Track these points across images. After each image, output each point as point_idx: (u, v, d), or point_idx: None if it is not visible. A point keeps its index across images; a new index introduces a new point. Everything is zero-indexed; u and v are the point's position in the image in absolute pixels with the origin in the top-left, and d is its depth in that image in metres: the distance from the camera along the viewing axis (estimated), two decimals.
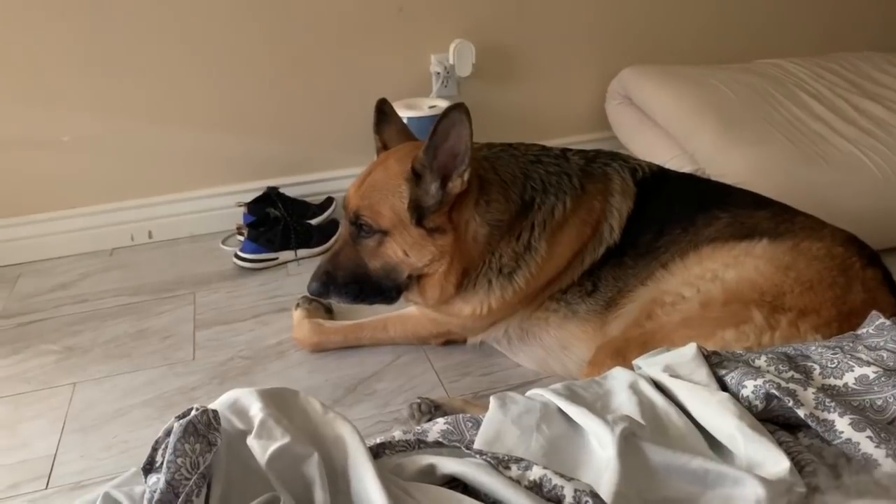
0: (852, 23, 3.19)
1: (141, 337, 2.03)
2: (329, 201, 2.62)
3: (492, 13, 2.67)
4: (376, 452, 0.86)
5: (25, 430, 1.69)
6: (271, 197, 2.50)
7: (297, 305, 1.98)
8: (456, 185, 1.57)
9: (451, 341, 1.90)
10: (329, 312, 2.01)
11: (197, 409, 0.77)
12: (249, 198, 2.53)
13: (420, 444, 0.88)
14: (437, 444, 0.89)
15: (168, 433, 0.76)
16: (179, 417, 0.77)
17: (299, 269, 2.35)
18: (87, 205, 2.51)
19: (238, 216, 2.53)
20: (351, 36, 2.56)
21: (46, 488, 1.52)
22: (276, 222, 2.40)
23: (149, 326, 2.08)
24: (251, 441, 0.79)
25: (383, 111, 1.78)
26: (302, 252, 2.40)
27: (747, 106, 2.45)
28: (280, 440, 0.78)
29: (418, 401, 1.60)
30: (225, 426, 0.80)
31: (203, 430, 0.75)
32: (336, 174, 2.67)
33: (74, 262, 2.47)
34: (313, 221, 2.51)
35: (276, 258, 2.37)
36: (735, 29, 3.02)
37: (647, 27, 2.89)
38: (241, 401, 0.83)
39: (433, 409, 1.57)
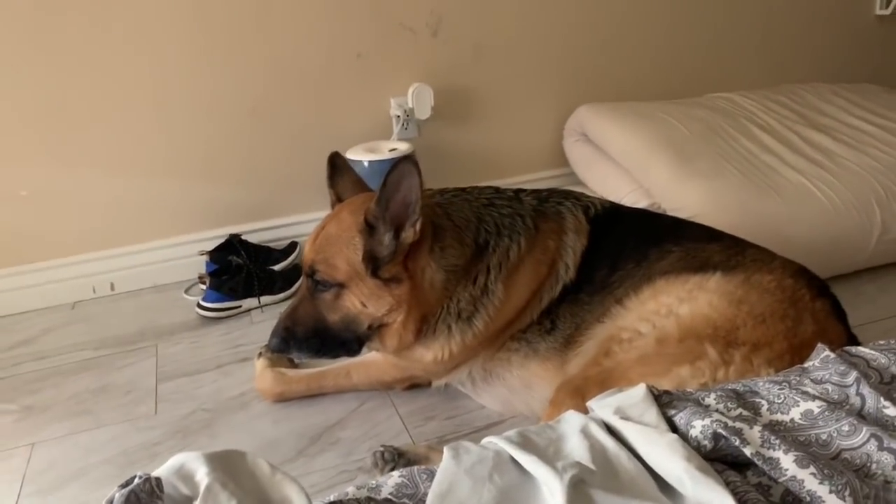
0: (800, 54, 3.30)
1: (103, 392, 2.00)
2: (293, 246, 2.62)
3: (449, 57, 2.73)
4: None
5: None
6: (233, 244, 2.50)
7: (259, 355, 1.97)
8: (409, 235, 1.58)
9: (415, 385, 1.89)
10: (291, 361, 2.00)
11: (140, 478, 0.77)
12: (211, 246, 2.53)
13: (371, 502, 0.88)
14: (387, 501, 0.89)
15: (111, 503, 0.76)
16: (122, 486, 0.76)
17: (263, 317, 2.34)
18: (48, 259, 2.49)
19: (201, 265, 2.52)
20: (311, 82, 2.59)
21: None
22: (238, 270, 2.40)
23: (111, 381, 2.05)
24: None
25: (336, 164, 1.80)
26: (265, 299, 2.39)
27: (700, 140, 2.50)
28: None
29: (381, 449, 1.59)
30: (170, 492, 0.80)
31: (146, 498, 0.75)
32: (299, 219, 2.68)
33: (36, 318, 2.44)
34: (276, 267, 2.51)
35: (240, 306, 2.36)
36: (686, 64, 3.11)
37: (601, 65, 2.97)
38: (187, 466, 0.83)
39: (396, 457, 1.56)
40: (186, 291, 2.52)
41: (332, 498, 0.91)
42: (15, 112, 2.31)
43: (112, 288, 2.56)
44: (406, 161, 1.51)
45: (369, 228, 1.59)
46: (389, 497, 0.90)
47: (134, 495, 0.74)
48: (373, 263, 1.59)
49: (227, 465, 0.83)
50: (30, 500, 1.63)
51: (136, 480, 0.76)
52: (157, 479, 0.77)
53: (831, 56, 3.35)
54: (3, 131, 2.32)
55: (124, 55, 2.35)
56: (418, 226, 1.57)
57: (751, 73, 3.18)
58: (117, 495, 0.75)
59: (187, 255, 2.57)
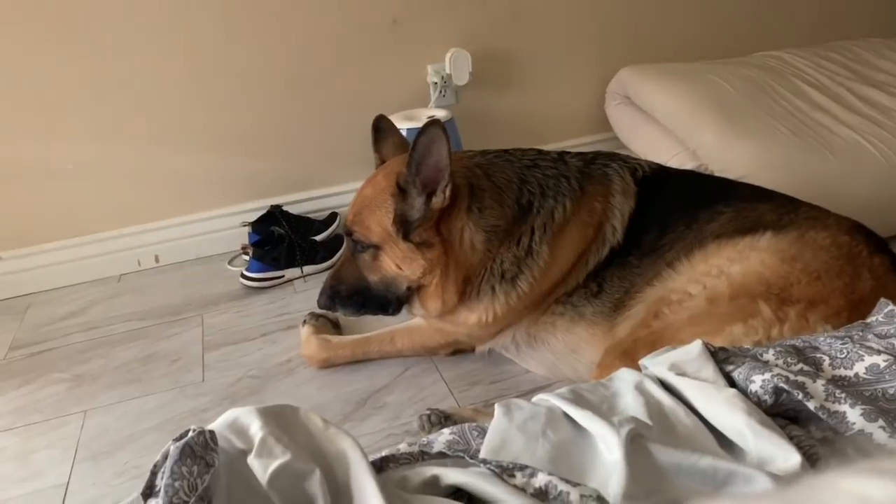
0: (850, 10, 3.17)
1: (150, 361, 2.03)
2: (333, 217, 2.62)
3: (486, 21, 2.68)
4: (380, 466, 0.85)
5: (38, 459, 1.69)
6: (275, 215, 2.51)
7: (305, 322, 1.98)
8: (439, 200, 1.58)
9: (459, 350, 1.89)
10: (336, 328, 2.01)
11: (194, 431, 0.76)
12: (254, 217, 2.54)
13: (424, 456, 0.87)
14: (441, 454, 0.88)
15: (165, 457, 0.76)
16: (176, 440, 0.76)
17: (306, 286, 2.34)
18: (94, 232, 2.52)
19: (243, 236, 2.54)
20: (347, 51, 2.56)
21: None
22: (280, 240, 2.40)
23: (158, 350, 2.08)
24: (252, 460, 0.78)
25: (380, 128, 1.80)
26: (308, 269, 2.39)
27: (748, 99, 2.43)
28: (280, 458, 0.77)
29: (428, 412, 1.59)
30: (225, 446, 0.79)
31: (200, 451, 0.74)
32: (339, 189, 2.67)
33: (83, 290, 2.48)
34: (318, 237, 2.51)
35: (283, 276, 2.37)
36: (732, 23, 3.01)
37: (643, 26, 2.89)
38: (241, 420, 0.82)
39: (443, 420, 1.56)
40: (230, 262, 2.54)
41: (384, 453, 0.90)
42: (57, 88, 2.32)
43: (157, 260, 2.59)
44: (434, 126, 1.50)
45: (401, 192, 1.58)
46: (443, 451, 0.89)
47: (188, 448, 0.74)
48: (404, 227, 1.60)
49: (281, 420, 0.82)
50: (84, 464, 1.66)
51: (191, 433, 0.76)
52: (211, 433, 0.77)
53: (883, 11, 3.21)
54: (46, 107, 2.34)
55: (163, 29, 2.35)
56: (448, 191, 1.56)
57: (800, 31, 3.06)
58: (172, 448, 0.74)
59: (230, 227, 2.59)
